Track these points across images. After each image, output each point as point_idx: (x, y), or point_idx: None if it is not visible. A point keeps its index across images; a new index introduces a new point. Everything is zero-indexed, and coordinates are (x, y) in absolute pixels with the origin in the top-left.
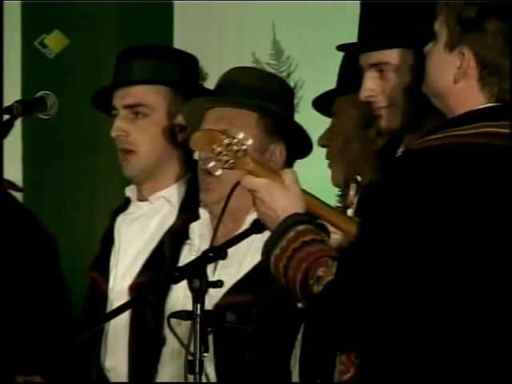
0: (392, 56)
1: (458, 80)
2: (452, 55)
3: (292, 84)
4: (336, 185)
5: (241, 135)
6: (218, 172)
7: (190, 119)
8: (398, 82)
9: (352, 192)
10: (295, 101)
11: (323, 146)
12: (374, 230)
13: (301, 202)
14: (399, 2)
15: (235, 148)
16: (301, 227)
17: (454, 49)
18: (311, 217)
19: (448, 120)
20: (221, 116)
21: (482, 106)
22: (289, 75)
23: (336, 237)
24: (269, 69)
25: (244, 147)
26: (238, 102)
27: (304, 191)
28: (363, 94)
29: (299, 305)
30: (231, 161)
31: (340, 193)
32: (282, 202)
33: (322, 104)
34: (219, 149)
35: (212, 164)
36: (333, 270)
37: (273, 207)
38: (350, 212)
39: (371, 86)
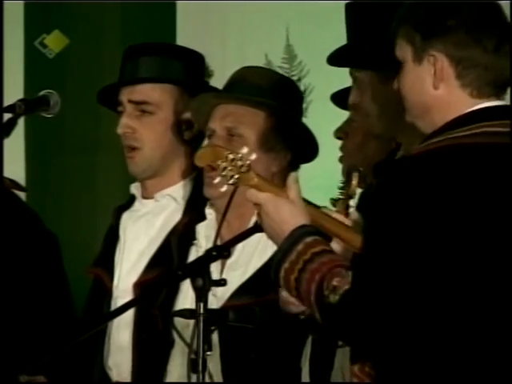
0: (359, 74)
1: (437, 85)
2: (423, 65)
3: (302, 88)
4: None
5: (244, 150)
6: (223, 188)
7: (198, 115)
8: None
9: (354, 182)
10: (304, 105)
11: (339, 138)
12: (383, 236)
13: (306, 214)
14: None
15: (239, 163)
16: (309, 239)
17: (423, 58)
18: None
19: (443, 125)
20: (228, 113)
21: (475, 108)
22: (299, 79)
23: (334, 246)
24: (280, 72)
25: (248, 162)
26: (246, 99)
27: (308, 203)
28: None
29: (301, 317)
30: (236, 176)
31: (342, 184)
32: (287, 215)
33: (341, 96)
34: (224, 164)
35: (218, 180)
36: (348, 280)
37: (278, 220)
38: (352, 202)
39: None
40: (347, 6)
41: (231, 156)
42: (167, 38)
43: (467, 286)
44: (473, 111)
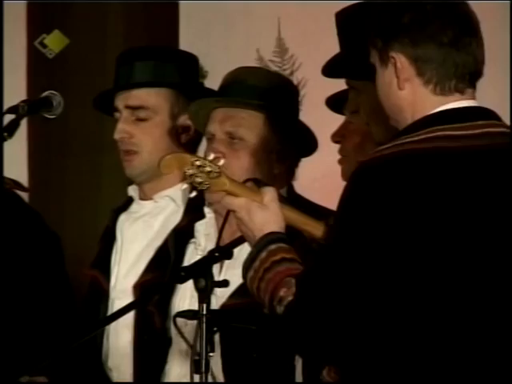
0: (355, 83)
1: (402, 86)
2: (388, 69)
3: (295, 82)
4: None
5: (211, 156)
6: (193, 194)
7: (196, 119)
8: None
9: None
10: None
11: (336, 142)
12: (328, 246)
13: (279, 219)
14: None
15: (208, 169)
16: (273, 246)
17: (387, 61)
18: (294, 233)
19: (400, 131)
20: (228, 116)
21: (432, 112)
22: (292, 73)
23: None
24: (272, 66)
25: (217, 167)
26: (245, 103)
27: (286, 207)
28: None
29: None
30: (206, 182)
31: None
32: (259, 221)
33: (334, 101)
34: (191, 171)
35: (185, 186)
36: (293, 290)
37: (250, 227)
38: None
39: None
40: (337, 16)
41: (198, 163)
42: (170, 39)
43: (407, 288)
44: (432, 114)
